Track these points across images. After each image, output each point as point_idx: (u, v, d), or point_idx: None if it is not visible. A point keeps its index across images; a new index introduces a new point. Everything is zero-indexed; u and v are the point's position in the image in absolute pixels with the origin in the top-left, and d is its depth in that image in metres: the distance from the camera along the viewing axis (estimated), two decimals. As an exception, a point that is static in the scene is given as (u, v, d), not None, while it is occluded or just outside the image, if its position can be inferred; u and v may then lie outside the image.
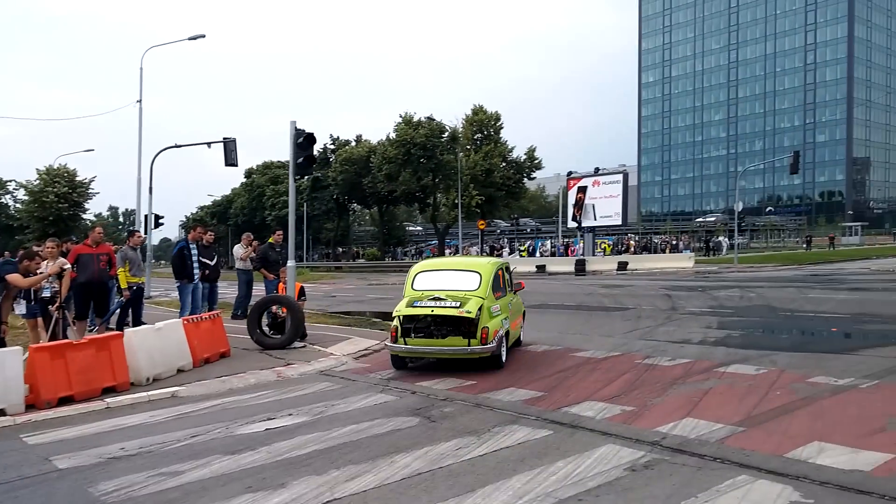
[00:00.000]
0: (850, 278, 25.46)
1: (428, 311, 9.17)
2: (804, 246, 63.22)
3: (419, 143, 52.70)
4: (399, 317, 9.36)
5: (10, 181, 65.00)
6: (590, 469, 5.05)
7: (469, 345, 8.97)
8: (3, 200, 65.74)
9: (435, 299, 9.30)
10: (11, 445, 6.37)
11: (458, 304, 9.07)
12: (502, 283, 10.39)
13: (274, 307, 12.37)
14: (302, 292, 13.29)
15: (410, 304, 9.42)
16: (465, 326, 9.05)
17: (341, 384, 8.89)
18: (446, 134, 55.23)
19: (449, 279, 9.99)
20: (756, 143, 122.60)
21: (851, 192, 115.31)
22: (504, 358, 9.54)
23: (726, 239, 43.47)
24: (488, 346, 9.01)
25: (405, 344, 9.31)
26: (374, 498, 4.64)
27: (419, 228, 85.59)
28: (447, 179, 55.14)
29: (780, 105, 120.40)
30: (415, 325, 9.34)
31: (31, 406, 7.60)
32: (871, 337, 11.40)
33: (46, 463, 5.76)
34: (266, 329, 12.22)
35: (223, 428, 6.71)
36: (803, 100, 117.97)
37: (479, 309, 9.03)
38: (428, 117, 54.55)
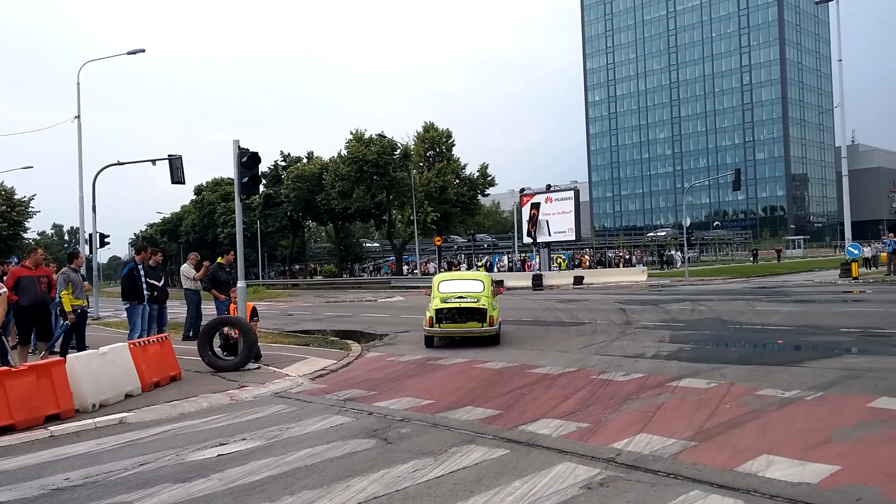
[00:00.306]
0: (795, 290, 26.22)
1: (456, 305, 13.83)
2: (751, 259, 65.06)
3: (371, 161, 52.65)
4: (434, 310, 13.83)
5: (-55, 199, 62.85)
6: (546, 488, 5.06)
7: (482, 326, 13.64)
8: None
9: (459, 297, 13.93)
10: (-53, 479, 6.09)
11: (475, 300, 13.84)
12: (492, 289, 14.70)
13: (226, 328, 12.15)
14: (254, 313, 13.08)
15: (443, 301, 13.90)
16: (479, 314, 13.69)
17: (297, 406, 8.76)
18: (398, 151, 55.34)
19: (463, 285, 14.61)
20: (700, 160, 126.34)
21: (792, 207, 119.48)
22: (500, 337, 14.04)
23: (679, 253, 44.49)
24: (493, 327, 13.73)
25: (439, 327, 13.83)
26: (329, 524, 4.56)
27: (376, 244, 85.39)
28: (401, 196, 55.20)
29: (721, 124, 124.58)
30: (445, 315, 13.77)
31: (-32, 436, 7.29)
32: (816, 348, 11.73)
33: (-15, 497, 5.52)
34: (218, 351, 11.98)
35: (173, 455, 6.53)
36: (742, 119, 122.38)
37: (488, 304, 13.76)
38: (379, 134, 54.60)
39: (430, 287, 15.46)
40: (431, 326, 13.83)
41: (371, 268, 75.50)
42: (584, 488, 5.03)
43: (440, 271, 47.56)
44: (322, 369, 11.52)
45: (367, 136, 54.57)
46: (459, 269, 52.39)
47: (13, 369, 8.22)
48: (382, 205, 56.79)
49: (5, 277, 11.75)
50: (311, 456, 6.24)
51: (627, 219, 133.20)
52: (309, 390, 9.90)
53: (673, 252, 64.08)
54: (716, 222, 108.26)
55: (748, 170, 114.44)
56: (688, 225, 47.57)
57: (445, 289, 14.42)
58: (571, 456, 5.87)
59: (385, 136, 54.54)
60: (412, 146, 56.77)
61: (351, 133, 55.30)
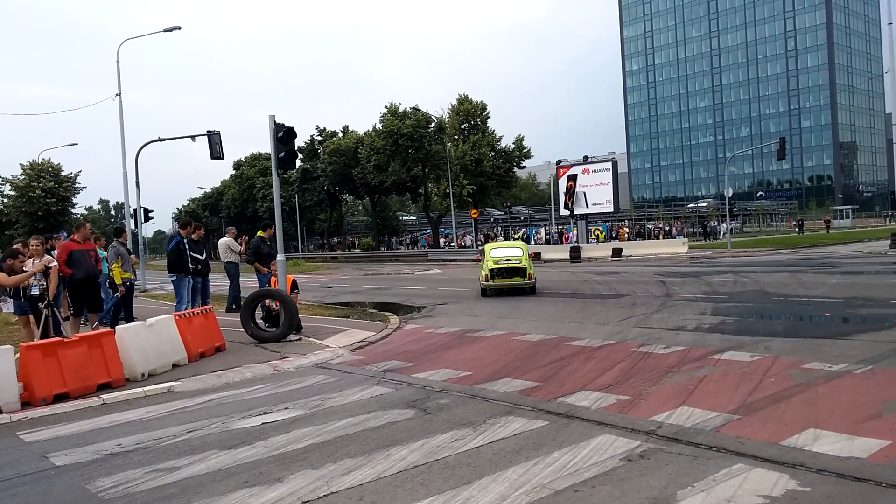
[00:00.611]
0: (843, 262, 25.58)
1: (505, 266, 18.71)
2: (796, 230, 63.58)
3: (406, 134, 52.49)
4: (489, 269, 18.64)
5: (-5, 176, 64.65)
6: (586, 459, 5.06)
7: (523, 280, 18.52)
8: (-10, 196, 65.30)
9: (507, 260, 19.01)
10: (8, 443, 6.36)
11: (518, 262, 18.87)
12: (529, 253, 20.24)
13: (267, 300, 12.36)
14: (294, 285, 13.26)
15: (496, 263, 18.82)
16: (521, 272, 18.59)
17: (337, 377, 8.89)
18: (433, 124, 55.02)
19: (508, 251, 19.95)
20: (742, 129, 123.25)
21: (840, 176, 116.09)
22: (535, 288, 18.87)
23: (724, 224, 43.63)
24: (531, 281, 18.68)
25: (493, 282, 18.59)
26: (370, 492, 4.63)
27: (413, 218, 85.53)
28: (437, 169, 55.04)
29: (765, 91, 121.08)
30: (497, 273, 18.58)
31: (26, 404, 7.59)
32: (865, 321, 11.45)
33: (44, 460, 5.74)
34: (260, 322, 12.20)
35: (219, 423, 6.70)
36: (787, 86, 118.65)
37: (527, 264, 18.88)
38: (413, 108, 54.32)
39: (471, 259, 22.06)
40: (487, 281, 18.59)
41: (408, 241, 75.76)
42: (625, 460, 5.02)
43: (477, 244, 48.19)
44: (361, 341, 11.65)
45: (401, 109, 54.41)
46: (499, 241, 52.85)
47: (66, 340, 8.49)
48: (418, 178, 56.74)
49: (56, 251, 12.08)
50: (352, 425, 6.33)
51: (667, 190, 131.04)
52: (349, 361, 10.04)
53: (716, 223, 62.91)
54: (759, 192, 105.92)
55: (793, 138, 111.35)
56: (730, 195, 46.56)
57: (496, 254, 19.53)
58: (611, 428, 5.86)
59: (419, 110, 54.28)
60: (447, 119, 56.41)
61: (385, 107, 55.17)
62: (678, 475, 4.67)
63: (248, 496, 4.64)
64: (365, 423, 6.38)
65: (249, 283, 17.30)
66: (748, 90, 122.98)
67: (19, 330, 11.59)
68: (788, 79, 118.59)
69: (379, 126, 55.53)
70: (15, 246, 10.20)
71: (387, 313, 15.36)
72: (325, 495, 4.59)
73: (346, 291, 24.22)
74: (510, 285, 18.50)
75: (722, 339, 10.05)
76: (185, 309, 12.25)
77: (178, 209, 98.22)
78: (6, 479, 5.31)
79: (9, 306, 12.66)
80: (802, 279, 19.27)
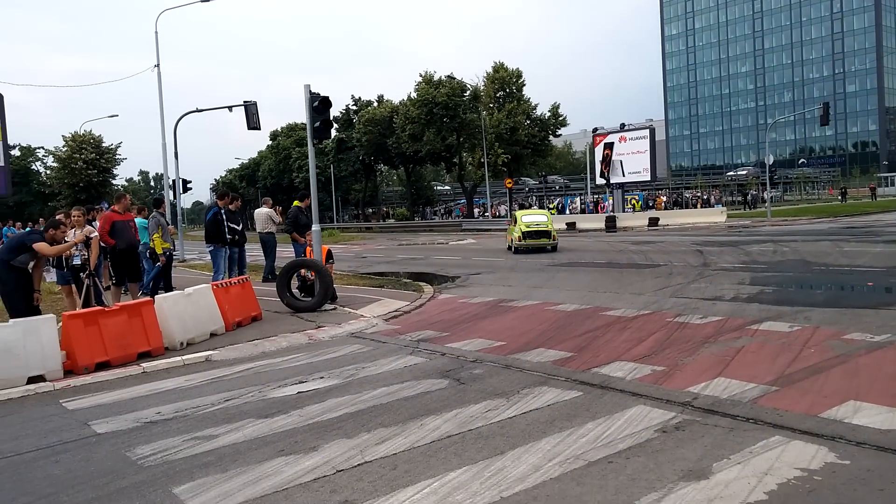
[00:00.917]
0: (887, 230, 24.88)
1: (534, 228, 23.61)
2: (839, 198, 61.95)
3: (441, 103, 52.17)
4: (521, 231, 23.54)
5: (39, 148, 66.18)
6: (620, 431, 5.03)
7: (548, 241, 23.51)
8: (34, 167, 66.95)
9: (536, 224, 23.95)
10: (52, 410, 6.55)
11: (546, 226, 23.88)
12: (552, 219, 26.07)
13: (302, 270, 12.47)
14: (329, 255, 13.35)
15: (527, 226, 23.67)
16: (546, 234, 23.58)
17: (372, 346, 8.96)
18: (468, 93, 54.57)
19: (535, 217, 25.09)
20: (785, 94, 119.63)
21: (886, 143, 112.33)
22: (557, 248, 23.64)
23: (767, 191, 42.64)
24: (555, 241, 23.74)
25: (524, 242, 23.42)
26: (404, 461, 4.67)
27: (447, 188, 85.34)
28: (472, 138, 54.71)
29: (808, 55, 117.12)
30: (527, 234, 23.42)
31: (69, 372, 7.80)
32: (909, 291, 11.14)
33: (86, 427, 5.90)
34: (296, 292, 12.33)
35: (256, 391, 6.81)
36: (831, 49, 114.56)
37: (551, 227, 23.97)
38: (448, 76, 53.87)
39: (505, 229, 27.55)
40: (520, 241, 23.56)
41: (442, 211, 75.68)
42: (659, 431, 4.97)
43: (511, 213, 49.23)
44: (396, 310, 11.71)
45: (436, 78, 54.02)
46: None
47: (107, 309, 8.69)
48: (453, 147, 56.48)
49: (97, 222, 12.32)
50: (386, 395, 6.38)
51: (706, 157, 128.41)
52: (383, 331, 10.10)
53: (756, 191, 61.52)
54: (801, 160, 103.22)
55: (837, 103, 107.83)
56: (771, 163, 45.46)
57: (527, 220, 24.50)
58: (646, 399, 5.80)
59: (454, 78, 53.84)
60: (482, 87, 55.87)
61: (420, 75, 54.85)
62: (714, 447, 4.61)
63: (283, 464, 4.71)
64: (399, 393, 6.42)
65: (285, 252, 17.48)
66: (791, 54, 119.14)
67: (62, 299, 11.90)
68: (833, 42, 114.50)
69: (414, 95, 55.28)
70: (58, 216, 10.42)
71: (421, 283, 15.41)
72: (359, 464, 4.64)
73: (381, 261, 24.35)
74: (538, 244, 23.60)
75: (760, 308, 9.87)
76: (223, 279, 12.44)
77: (215, 180, 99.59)
78: (49, 445, 5.47)
79: (52, 276, 12.99)
80: (844, 248, 18.81)
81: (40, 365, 7.52)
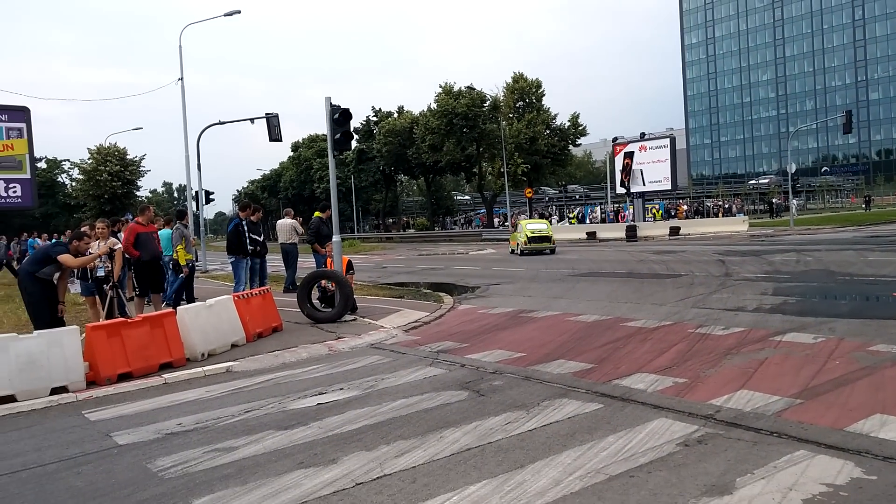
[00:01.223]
0: (914, 240, 24.48)
1: (538, 234, 28.83)
2: (863, 206, 61.11)
3: (461, 113, 52.33)
4: (527, 236, 28.41)
5: (65, 160, 67.34)
6: (641, 444, 4.97)
7: (549, 244, 28.68)
8: (59, 179, 68.07)
9: (539, 230, 29.28)
10: (74, 422, 6.61)
11: (546, 232, 29.32)
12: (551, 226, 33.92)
13: (323, 281, 12.53)
14: (350, 266, 13.39)
15: (531, 232, 28.69)
16: (547, 239, 28.75)
17: (391, 357, 8.96)
18: (487, 103, 54.69)
19: (537, 225, 30.72)
20: (807, 102, 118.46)
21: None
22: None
23: (795, 200, 42.12)
24: (553, 245, 28.94)
25: (528, 245, 28.16)
26: (423, 474, 4.65)
27: (467, 197, 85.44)
28: (491, 148, 54.76)
29: (830, 63, 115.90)
30: (531, 239, 28.20)
31: (91, 383, 7.87)
32: (937, 302, 10.93)
33: (107, 439, 5.95)
34: (316, 303, 12.38)
35: (276, 403, 6.83)
36: (854, 57, 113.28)
37: (551, 233, 29.59)
38: (468, 87, 54.01)
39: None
40: (525, 245, 28.15)
41: (462, 220, 75.76)
42: (682, 445, 4.91)
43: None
44: (415, 321, 11.71)
45: (456, 88, 54.19)
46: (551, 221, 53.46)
47: (129, 320, 8.77)
48: (472, 157, 56.55)
49: (121, 234, 12.47)
50: (406, 406, 6.37)
51: (727, 166, 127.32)
52: (403, 342, 10.10)
53: (781, 200, 60.79)
54: (824, 168, 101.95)
55: (860, 111, 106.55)
56: (793, 171, 44.98)
57: (530, 227, 29.34)
58: (668, 412, 5.74)
59: (474, 89, 53.98)
60: (501, 97, 55.98)
61: (440, 86, 55.06)
62: (737, 461, 4.54)
63: (302, 477, 4.71)
64: (418, 405, 6.41)
65: (306, 263, 17.58)
66: (813, 62, 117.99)
67: (86, 310, 12.04)
68: (856, 49, 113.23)
69: (434, 106, 55.51)
70: (83, 228, 10.57)
71: (441, 293, 15.40)
72: (378, 477, 4.63)
73: (401, 272, 24.39)
74: (540, 248, 28.22)
75: (784, 319, 9.74)
76: (244, 289, 12.52)
77: (237, 191, 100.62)
78: (72, 457, 5.52)
79: (76, 287, 13.16)
80: (869, 258, 18.53)
81: (63, 376, 7.61)
